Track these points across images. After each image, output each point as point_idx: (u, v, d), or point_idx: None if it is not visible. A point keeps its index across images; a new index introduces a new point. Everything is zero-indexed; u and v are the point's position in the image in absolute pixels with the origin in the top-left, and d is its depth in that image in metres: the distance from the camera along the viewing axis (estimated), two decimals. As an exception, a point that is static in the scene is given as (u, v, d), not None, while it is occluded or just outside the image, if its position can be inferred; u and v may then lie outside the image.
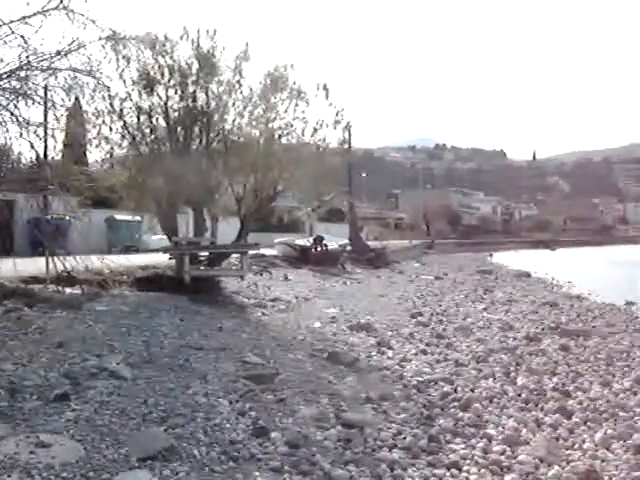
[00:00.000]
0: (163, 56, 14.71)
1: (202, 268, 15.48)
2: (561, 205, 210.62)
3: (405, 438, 6.16)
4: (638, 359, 11.78)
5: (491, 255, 70.40)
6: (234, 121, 15.42)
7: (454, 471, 5.56)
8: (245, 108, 15.31)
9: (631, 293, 25.61)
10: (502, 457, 6.00)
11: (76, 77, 9.99)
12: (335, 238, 33.52)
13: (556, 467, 5.84)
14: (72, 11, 9.28)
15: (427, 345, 11.48)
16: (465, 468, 5.65)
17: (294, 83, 15.42)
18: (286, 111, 15.35)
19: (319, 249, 28.91)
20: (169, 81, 14.82)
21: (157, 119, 15.06)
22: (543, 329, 14.60)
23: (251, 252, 17.85)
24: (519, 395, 8.24)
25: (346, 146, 20.40)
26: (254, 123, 15.42)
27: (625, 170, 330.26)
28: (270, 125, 15.37)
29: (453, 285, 26.43)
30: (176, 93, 14.97)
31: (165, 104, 14.88)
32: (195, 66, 14.94)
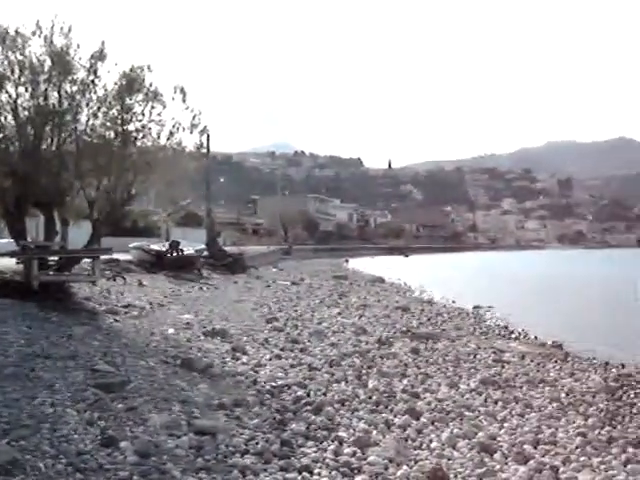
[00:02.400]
0: (13, 52, 14.09)
1: (51, 273, 14.87)
2: (414, 213, 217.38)
3: (258, 443, 6.15)
4: (484, 361, 12.34)
5: (347, 261, 71.63)
6: (88, 122, 14.95)
7: (305, 474, 5.59)
8: (99, 109, 14.87)
9: (478, 298, 26.78)
10: (352, 459, 6.09)
11: None
12: (192, 243, 33.12)
13: (404, 467, 6.00)
14: None
15: (282, 350, 11.54)
16: (316, 471, 5.71)
17: (150, 85, 15.13)
18: (142, 113, 15.03)
19: (175, 254, 28.48)
20: (19, 78, 14.21)
21: (5, 117, 14.40)
22: (395, 333, 15.01)
23: (104, 257, 17.37)
24: (370, 397, 8.40)
25: (203, 150, 20.23)
26: (108, 124, 15.02)
27: (475, 180, 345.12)
28: (125, 127, 15.01)
29: (309, 290, 26.73)
30: (27, 91, 14.36)
31: (14, 102, 14.25)
32: (48, 63, 14.38)
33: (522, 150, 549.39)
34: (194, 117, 15.63)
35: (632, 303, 29.22)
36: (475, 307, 24.20)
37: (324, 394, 8.37)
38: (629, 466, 6.57)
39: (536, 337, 17.03)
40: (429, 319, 18.97)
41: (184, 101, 15.42)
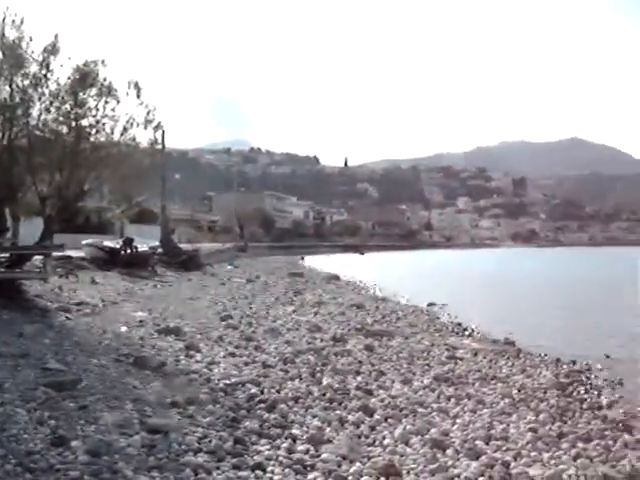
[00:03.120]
0: (-37, 44, 13.81)
1: (2, 270, 14.62)
2: (370, 211, 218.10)
3: (211, 441, 6.12)
4: (437, 358, 12.44)
5: (303, 259, 71.69)
6: (40, 116, 14.70)
7: (258, 472, 5.58)
8: (52, 103, 14.62)
9: (433, 295, 27.01)
10: (306, 456, 6.10)
11: None
12: (146, 240, 32.81)
13: (358, 464, 6.02)
14: None
15: (236, 348, 11.49)
16: (269, 469, 5.69)
17: (104, 79, 14.93)
18: (96, 108, 14.83)
19: (129, 251, 28.17)
20: (-31, 72, 13.93)
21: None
22: (349, 330, 15.05)
23: (56, 254, 17.12)
24: (324, 395, 8.41)
25: (158, 146, 20.01)
26: (61, 119, 14.79)
27: (431, 178, 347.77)
28: (78, 122, 14.80)
29: (264, 288, 26.68)
30: (-23, 85, 14.09)
31: (-35, 96, 13.97)
32: (-1, 57, 14.12)
33: (477, 149, 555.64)
34: (148, 112, 15.48)
35: (583, 301, 29.72)
36: (429, 304, 24.42)
37: (278, 392, 8.35)
38: (579, 461, 6.68)
39: (489, 334, 17.21)
40: (384, 316, 19.06)
41: (138, 96, 15.26)
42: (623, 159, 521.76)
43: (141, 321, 13.53)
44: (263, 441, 6.37)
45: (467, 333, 17.30)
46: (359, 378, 9.79)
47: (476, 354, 13.25)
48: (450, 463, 6.28)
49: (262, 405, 7.56)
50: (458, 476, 5.95)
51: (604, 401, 10.05)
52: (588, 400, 10.00)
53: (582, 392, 10.58)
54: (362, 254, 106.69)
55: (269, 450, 6.13)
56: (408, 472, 6.00)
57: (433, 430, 7.30)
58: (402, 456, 6.42)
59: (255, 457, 5.90)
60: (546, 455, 6.83)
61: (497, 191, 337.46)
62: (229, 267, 41.52)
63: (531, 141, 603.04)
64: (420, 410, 8.18)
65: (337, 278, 37.51)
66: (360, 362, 11.12)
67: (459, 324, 19.05)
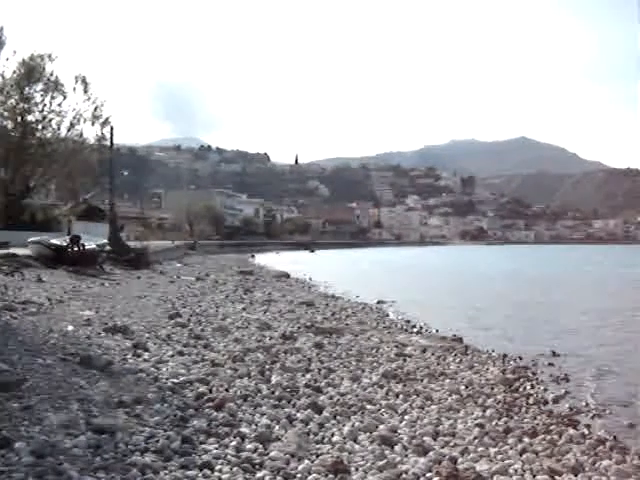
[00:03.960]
0: None
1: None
2: (321, 209, 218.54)
3: (158, 441, 6.04)
4: (386, 355, 12.52)
5: (253, 256, 71.65)
6: (-17, 111, 14.42)
7: (206, 471, 5.52)
8: (-4, 98, 14.35)
9: (382, 293, 27.19)
10: (254, 454, 6.06)
11: None
12: (94, 238, 32.35)
13: (306, 461, 6.00)
14: None
15: (185, 346, 11.38)
16: (218, 468, 5.64)
17: (51, 74, 14.70)
18: (42, 103, 14.57)
19: (76, 249, 27.74)
20: None
21: None
22: (299, 328, 15.04)
23: (1, 251, 16.80)
24: (273, 393, 8.38)
25: (106, 142, 19.79)
26: (6, 114, 14.55)
27: (380, 177, 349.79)
28: (24, 117, 14.54)
29: (214, 286, 26.56)
30: None
31: None
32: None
33: (426, 148, 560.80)
34: (96, 108, 15.35)
35: (529, 297, 30.20)
36: (379, 302, 24.58)
37: (226, 390, 8.29)
38: (525, 455, 6.79)
39: (437, 331, 17.40)
40: (333, 314, 19.12)
41: (86, 92, 15.11)
42: (569, 159, 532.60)
43: (88, 320, 13.30)
44: (211, 440, 6.31)
45: (416, 330, 17.44)
46: (308, 375, 9.78)
47: (424, 351, 13.38)
48: (398, 459, 6.31)
49: (210, 404, 7.49)
50: (406, 472, 5.97)
51: (550, 396, 10.24)
52: (534, 395, 10.18)
53: (528, 387, 10.76)
54: (312, 252, 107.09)
55: (217, 449, 6.07)
56: (356, 469, 6.00)
57: (381, 427, 7.33)
58: (350, 453, 6.42)
59: (203, 456, 5.84)
60: (493, 450, 6.91)
61: (446, 190, 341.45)
62: (178, 265, 41.25)
63: (480, 140, 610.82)
64: (369, 407, 8.22)
65: (287, 276, 37.55)
66: (309, 360, 11.12)
67: (408, 321, 19.22)
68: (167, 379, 8.52)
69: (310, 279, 37.31)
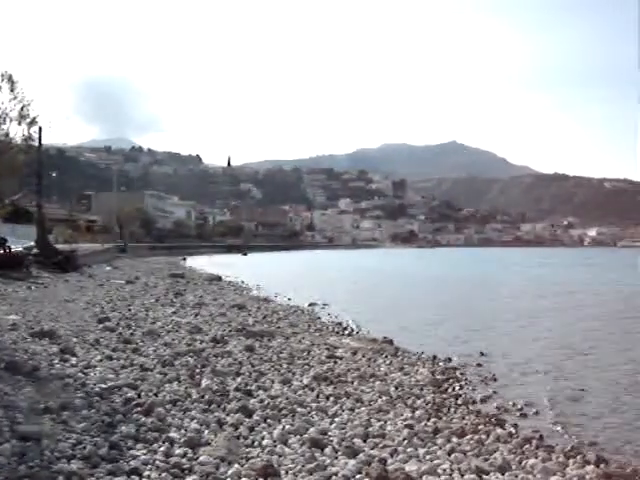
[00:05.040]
0: None
1: None
2: (254, 211, 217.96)
3: (85, 447, 5.94)
4: (317, 357, 12.55)
5: (184, 259, 71.02)
6: None
7: (134, 477, 5.46)
8: None
9: (314, 295, 27.28)
10: (183, 459, 6.02)
11: None
12: (21, 240, 31.71)
13: (236, 465, 5.98)
14: None
15: (113, 351, 11.21)
16: (146, 473, 5.58)
17: (-25, 71, 14.29)
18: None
19: (1, 252, 27.08)
20: None
21: None
22: (230, 331, 14.98)
23: None
24: (202, 397, 8.32)
25: (33, 143, 19.34)
26: None
27: (313, 180, 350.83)
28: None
29: (144, 289, 26.25)
30: None
31: None
32: None
33: (358, 151, 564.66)
34: (23, 107, 14.98)
35: (458, 299, 30.68)
36: (310, 304, 24.64)
37: (155, 395, 8.20)
38: (453, 455, 6.91)
39: (368, 332, 17.52)
40: (265, 317, 19.09)
41: (12, 90, 14.73)
42: (498, 163, 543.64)
43: (14, 324, 13.00)
44: (139, 446, 6.24)
45: (347, 332, 17.53)
46: (239, 379, 9.75)
47: (355, 353, 13.46)
48: (328, 462, 6.33)
49: (139, 409, 7.40)
50: (336, 474, 6.00)
51: (478, 396, 10.43)
52: (463, 396, 10.36)
53: (457, 388, 10.94)
54: (245, 254, 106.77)
55: (145, 455, 6.00)
56: (286, 472, 6.01)
57: (312, 429, 7.35)
58: (280, 456, 6.43)
59: (131, 462, 5.77)
60: (422, 451, 7.00)
61: (378, 193, 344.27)
62: (108, 268, 40.61)
63: (412, 144, 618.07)
64: (299, 410, 8.23)
65: (219, 279, 37.35)
66: (240, 363, 11.08)
67: (339, 323, 19.31)
68: (95, 384, 8.38)
69: (242, 282, 37.17)
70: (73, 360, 10.02)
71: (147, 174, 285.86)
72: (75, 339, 12.09)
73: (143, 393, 8.20)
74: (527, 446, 7.62)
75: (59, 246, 38.48)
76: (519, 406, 10.02)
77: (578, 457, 7.30)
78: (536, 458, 7.10)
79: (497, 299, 31.30)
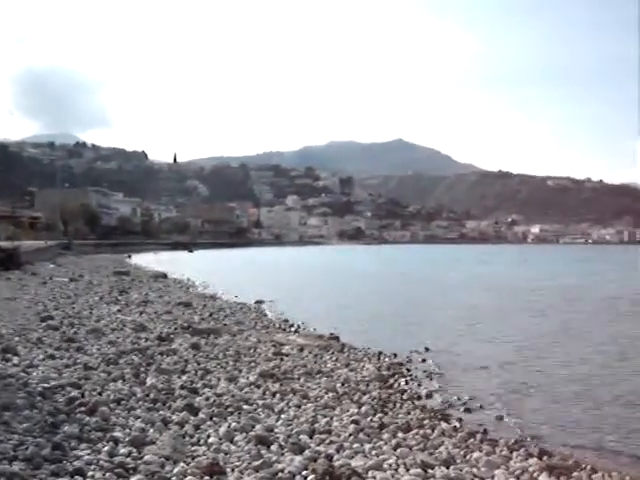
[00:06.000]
0: None
1: None
2: (200, 208, 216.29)
3: (27, 448, 5.84)
4: (264, 354, 12.55)
5: (130, 257, 70.22)
6: None
7: (78, 478, 5.39)
8: None
9: (261, 292, 27.23)
10: (128, 459, 5.96)
11: None
12: (-41, 238, 31.02)
13: (181, 464, 5.95)
14: None
15: (56, 349, 11.06)
16: (90, 474, 5.51)
17: None
18: None
19: (-60, 250, 26.48)
20: None
21: None
22: (176, 329, 14.89)
23: None
24: (147, 395, 8.26)
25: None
26: None
27: (260, 177, 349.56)
28: None
29: (89, 287, 25.93)
30: None
31: None
32: None
33: (306, 148, 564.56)
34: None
35: (404, 295, 30.94)
36: (257, 302, 24.58)
37: (100, 394, 8.11)
38: (399, 450, 6.99)
39: (315, 329, 17.57)
40: (211, 314, 19.02)
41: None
42: (444, 161, 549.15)
43: (-47, 324, 12.75)
44: (83, 445, 6.16)
45: (294, 329, 17.57)
46: (184, 377, 9.70)
47: (302, 349, 13.49)
48: (274, 459, 6.33)
49: (83, 408, 7.30)
50: (282, 471, 6.01)
51: (423, 391, 10.57)
52: (408, 391, 10.49)
53: (403, 383, 11.06)
54: (191, 252, 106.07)
55: (89, 455, 5.93)
56: (232, 470, 6.00)
57: (258, 426, 7.35)
58: (227, 454, 6.41)
59: (75, 462, 5.69)
60: (368, 446, 7.06)
61: (325, 190, 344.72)
62: (51, 266, 39.99)
63: (359, 141, 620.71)
64: (245, 407, 8.22)
65: (165, 276, 37.05)
66: (186, 361, 11.02)
67: (286, 320, 19.32)
68: (37, 384, 8.26)
69: (188, 279, 36.92)
70: (15, 360, 9.86)
71: (91, 170, 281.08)
72: (17, 338, 11.90)
73: (87, 392, 8.10)
74: (471, 440, 7.75)
75: (1, 243, 37.76)
76: (463, 400, 10.19)
77: (521, 450, 7.47)
78: (480, 452, 7.23)
79: (441, 295, 31.65)
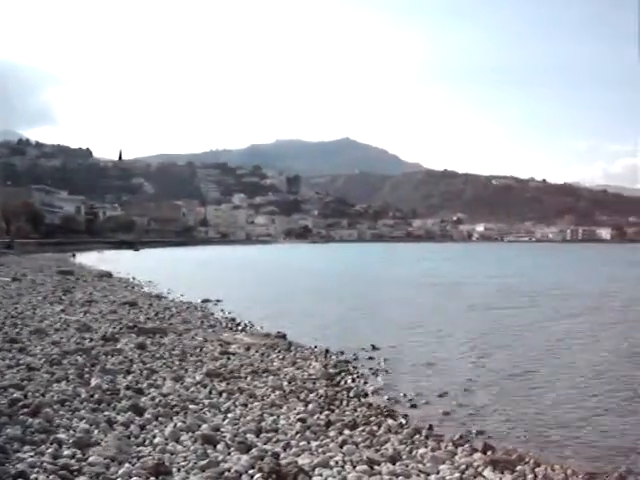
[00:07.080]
0: None
1: None
2: (146, 206, 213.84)
3: (-32, 452, 5.76)
4: (210, 353, 12.51)
5: (74, 255, 69.14)
6: None
7: (21, 480, 5.34)
8: None
9: (207, 291, 27.11)
10: (72, 461, 5.91)
11: None
12: None
13: (127, 465, 5.92)
14: None
15: (-1, 351, 10.88)
16: (33, 476, 5.45)
17: None
18: None
19: None
20: None
21: None
22: (121, 329, 14.75)
23: None
24: (92, 396, 8.17)
25: None
26: None
27: (207, 175, 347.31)
28: None
29: (32, 287, 25.50)
30: None
31: None
32: None
33: (253, 147, 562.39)
34: None
35: (351, 293, 31.06)
36: (204, 301, 24.47)
37: (43, 395, 8.01)
38: (345, 447, 7.05)
39: (262, 328, 17.57)
40: (157, 314, 18.88)
41: None
42: (391, 160, 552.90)
43: None
44: (26, 448, 6.08)
45: (240, 328, 17.55)
46: (130, 377, 9.63)
47: (249, 348, 13.49)
48: (221, 458, 6.34)
49: (25, 410, 7.20)
50: (229, 470, 6.01)
51: (369, 389, 10.65)
52: (355, 388, 10.57)
53: (349, 381, 11.14)
54: (136, 250, 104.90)
55: (33, 457, 5.86)
56: (178, 469, 5.99)
57: (204, 426, 7.33)
58: (172, 454, 6.39)
59: (18, 465, 5.63)
60: (314, 444, 7.10)
61: (272, 189, 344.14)
62: (-8, 265, 39.18)
63: (305, 140, 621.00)
64: (191, 407, 8.20)
65: (109, 275, 36.64)
66: (131, 361, 10.94)
67: (233, 319, 19.29)
68: (-22, 386, 8.10)
69: (134, 278, 36.56)
70: (-45, 361, 9.67)
71: (35, 168, 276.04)
72: (-43, 339, 11.66)
73: (30, 393, 8.00)
74: (417, 436, 7.86)
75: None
76: (409, 397, 10.29)
77: (466, 445, 7.59)
78: (426, 447, 7.34)
79: (387, 293, 31.88)
